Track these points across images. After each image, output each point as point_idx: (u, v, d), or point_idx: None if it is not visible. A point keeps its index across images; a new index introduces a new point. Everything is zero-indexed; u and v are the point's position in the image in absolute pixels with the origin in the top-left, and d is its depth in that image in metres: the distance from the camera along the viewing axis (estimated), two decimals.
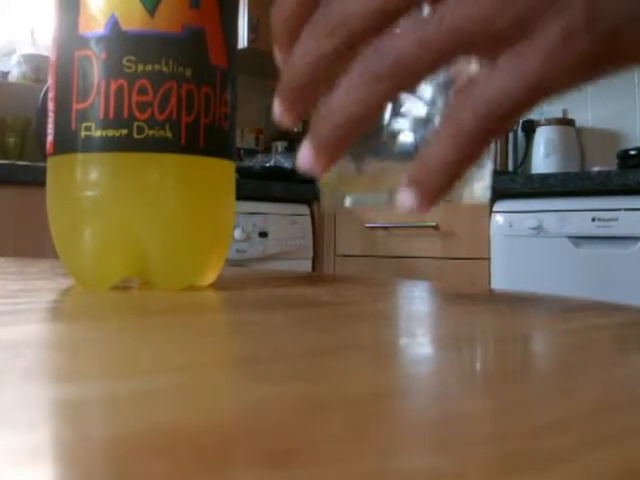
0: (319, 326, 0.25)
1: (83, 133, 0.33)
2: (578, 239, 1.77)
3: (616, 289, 1.66)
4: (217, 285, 0.36)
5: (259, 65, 2.47)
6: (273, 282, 0.43)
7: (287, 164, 2.17)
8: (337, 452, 0.10)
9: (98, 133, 0.33)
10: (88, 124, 0.33)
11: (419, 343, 0.22)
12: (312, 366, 0.17)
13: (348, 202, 0.27)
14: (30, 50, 2.20)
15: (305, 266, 2.15)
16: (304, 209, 2.17)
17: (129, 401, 0.13)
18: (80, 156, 0.34)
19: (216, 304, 0.32)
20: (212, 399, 0.13)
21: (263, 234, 2.03)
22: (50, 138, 0.35)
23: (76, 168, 0.34)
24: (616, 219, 1.71)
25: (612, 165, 2.02)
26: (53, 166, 0.36)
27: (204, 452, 0.10)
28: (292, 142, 2.54)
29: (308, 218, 2.18)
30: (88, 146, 0.33)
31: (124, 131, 0.33)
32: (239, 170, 1.93)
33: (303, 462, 0.10)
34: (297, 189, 2.11)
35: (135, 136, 0.33)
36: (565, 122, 2.22)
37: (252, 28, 2.33)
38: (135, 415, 0.12)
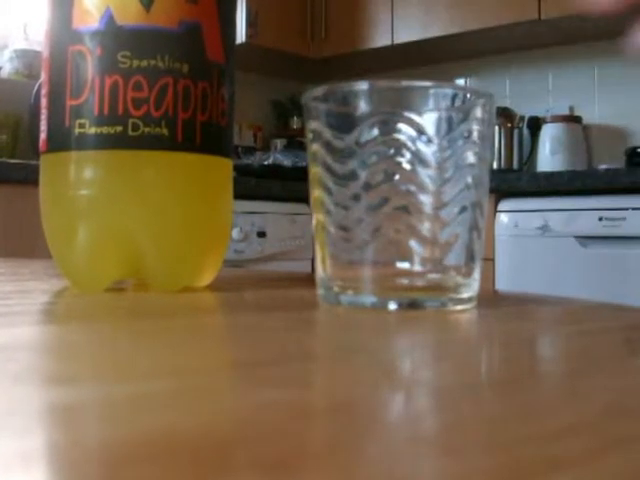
0: (318, 329, 0.25)
1: (77, 130, 0.33)
2: (585, 239, 1.76)
3: (624, 290, 1.65)
4: (214, 286, 0.36)
5: (257, 61, 2.47)
6: (272, 283, 0.43)
7: (286, 162, 2.17)
8: (336, 457, 0.10)
9: (92, 130, 0.33)
10: (82, 121, 0.33)
11: (422, 347, 0.21)
12: (311, 370, 0.17)
13: (344, 301, 0.29)
14: (23, 45, 2.19)
15: (305, 267, 2.14)
16: (304, 208, 2.16)
17: (124, 405, 0.13)
18: (74, 154, 0.33)
19: (213, 306, 0.32)
20: (209, 403, 0.13)
21: (261, 234, 2.03)
22: (43, 135, 0.35)
23: (70, 166, 0.34)
24: (624, 218, 1.70)
25: (620, 163, 2.01)
26: (46, 164, 0.35)
27: (201, 457, 0.10)
28: (291, 140, 2.53)
29: (308, 217, 2.18)
30: (82, 144, 0.33)
31: (119, 128, 0.32)
32: (237, 168, 1.93)
33: (301, 467, 0.10)
34: (296, 187, 2.10)
35: (130, 133, 0.32)
36: (572, 119, 2.17)
37: (250, 23, 2.32)
38: (130, 420, 0.12)
